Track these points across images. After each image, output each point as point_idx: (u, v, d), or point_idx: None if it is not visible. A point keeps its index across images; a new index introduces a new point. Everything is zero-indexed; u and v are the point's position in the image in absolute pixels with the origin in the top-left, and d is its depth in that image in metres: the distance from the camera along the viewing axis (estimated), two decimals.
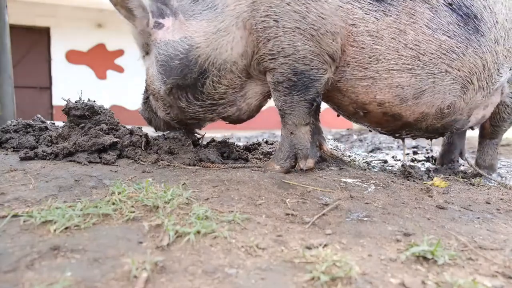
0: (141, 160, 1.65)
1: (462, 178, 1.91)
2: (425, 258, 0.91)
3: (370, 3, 1.65)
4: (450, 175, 1.99)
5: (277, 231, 1.05)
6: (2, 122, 2.46)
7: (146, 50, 1.85)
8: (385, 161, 2.57)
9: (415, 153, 3.11)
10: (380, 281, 0.81)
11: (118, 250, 0.88)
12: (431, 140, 2.18)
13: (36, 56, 8.43)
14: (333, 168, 1.84)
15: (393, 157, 2.93)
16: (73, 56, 8.62)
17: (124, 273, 0.79)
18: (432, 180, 1.75)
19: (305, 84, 1.65)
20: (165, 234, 0.97)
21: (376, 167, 2.26)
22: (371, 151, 3.50)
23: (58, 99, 8.19)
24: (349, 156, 2.46)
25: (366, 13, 1.65)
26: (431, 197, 1.46)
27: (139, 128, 1.86)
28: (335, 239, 1.02)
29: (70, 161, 1.54)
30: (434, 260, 0.91)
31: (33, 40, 8.39)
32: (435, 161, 2.56)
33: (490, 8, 1.81)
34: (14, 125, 1.84)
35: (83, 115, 1.73)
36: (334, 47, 1.63)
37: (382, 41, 1.68)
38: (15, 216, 1.02)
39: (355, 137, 4.78)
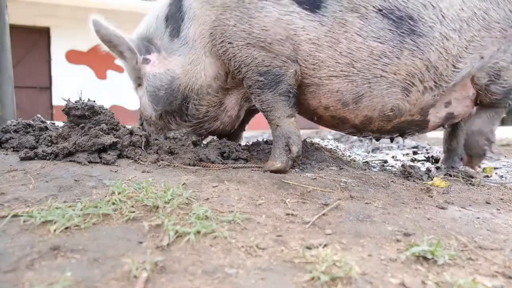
0: (141, 160, 1.65)
1: (462, 178, 1.91)
2: (425, 258, 0.91)
3: (307, 14, 1.76)
4: (450, 175, 1.98)
5: (277, 231, 1.05)
6: (2, 122, 2.45)
7: (138, 82, 2.10)
8: (385, 161, 2.57)
9: (415, 153, 3.11)
10: (380, 281, 0.81)
11: (118, 250, 0.88)
12: (398, 139, 2.19)
13: (36, 56, 8.43)
14: (333, 168, 1.84)
15: (393, 157, 2.93)
16: (73, 56, 8.62)
17: (124, 273, 0.79)
18: (432, 180, 1.75)
19: (273, 80, 1.80)
20: (165, 234, 0.97)
21: (376, 167, 2.26)
22: (371, 151, 3.50)
23: (58, 99, 8.19)
24: (349, 156, 2.46)
25: (304, 22, 1.76)
26: (431, 197, 1.46)
27: (139, 128, 1.86)
28: (335, 239, 1.02)
29: (70, 161, 1.54)
30: (434, 260, 0.90)
31: (33, 40, 8.38)
32: (435, 161, 2.57)
33: (432, 5, 1.77)
34: (14, 125, 1.84)
35: (83, 115, 1.73)
36: (286, 51, 1.79)
37: (322, 48, 1.79)
38: (15, 216, 1.02)
39: (355, 137, 4.78)
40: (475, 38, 1.82)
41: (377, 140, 2.22)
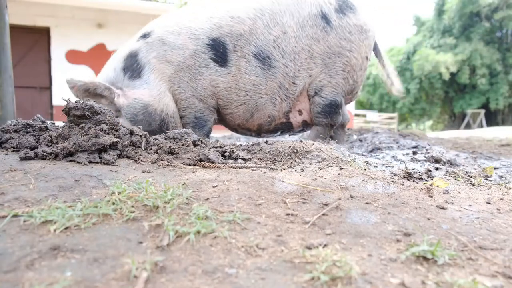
0: (141, 160, 1.65)
1: (462, 177, 1.91)
2: (425, 258, 0.91)
3: (222, 69, 2.70)
4: (450, 175, 1.98)
5: (277, 231, 1.05)
6: (2, 122, 2.45)
7: (116, 115, 2.69)
8: (386, 161, 2.56)
9: (414, 153, 3.10)
10: (380, 281, 0.81)
11: (118, 250, 0.88)
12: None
13: (36, 56, 8.43)
14: (333, 168, 1.83)
15: (393, 157, 2.93)
16: (73, 56, 8.63)
17: (124, 273, 0.79)
18: (432, 180, 1.74)
19: (201, 124, 2.80)
20: (165, 234, 0.97)
21: (376, 167, 2.26)
22: (371, 151, 3.50)
23: (58, 99, 8.18)
24: (349, 156, 2.46)
25: (222, 77, 2.71)
26: (431, 197, 1.46)
27: (139, 128, 1.86)
28: (335, 239, 1.02)
29: (70, 161, 1.54)
30: (434, 260, 0.90)
31: (33, 40, 8.38)
32: (436, 161, 2.57)
33: (278, 46, 2.74)
34: (14, 125, 1.84)
35: (83, 115, 1.73)
36: (213, 103, 2.80)
37: (231, 90, 2.76)
38: (15, 216, 1.02)
39: (355, 137, 4.78)
40: (303, 63, 2.79)
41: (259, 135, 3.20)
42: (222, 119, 3.00)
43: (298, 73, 2.79)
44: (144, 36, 2.77)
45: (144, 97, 2.65)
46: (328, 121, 2.94)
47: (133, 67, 2.68)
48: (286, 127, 3.04)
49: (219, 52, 2.68)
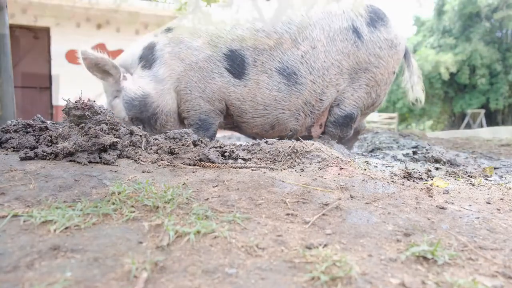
0: (141, 160, 1.65)
1: (462, 177, 1.91)
2: (425, 258, 0.91)
3: (236, 80, 2.68)
4: (450, 175, 1.98)
5: (277, 231, 1.05)
6: (2, 122, 2.45)
7: (115, 95, 2.77)
8: (386, 161, 2.56)
9: (414, 153, 3.10)
10: (380, 281, 0.81)
11: (118, 250, 0.88)
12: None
13: (36, 56, 8.43)
14: (333, 168, 1.83)
15: (393, 157, 2.93)
16: (73, 56, 8.61)
17: (124, 273, 0.79)
18: (432, 180, 1.74)
19: (206, 126, 2.76)
20: (165, 234, 0.97)
21: (376, 167, 2.26)
22: (371, 151, 3.50)
23: (58, 99, 8.18)
24: (349, 156, 2.46)
25: (235, 88, 2.69)
26: (431, 197, 1.45)
27: (139, 128, 1.86)
28: (335, 239, 1.02)
29: (70, 161, 1.54)
30: (434, 260, 0.90)
31: (33, 40, 8.39)
32: (436, 161, 2.57)
33: (307, 62, 2.68)
34: (14, 125, 1.84)
35: (83, 115, 1.73)
36: (221, 107, 2.76)
37: (246, 102, 2.74)
38: (15, 216, 1.02)
39: None
40: (332, 79, 2.74)
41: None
42: (236, 126, 2.97)
43: (326, 90, 2.74)
44: (168, 30, 2.79)
45: (148, 88, 2.64)
46: (338, 132, 2.90)
47: (147, 58, 2.71)
48: (305, 139, 3.10)
49: (235, 64, 2.66)
